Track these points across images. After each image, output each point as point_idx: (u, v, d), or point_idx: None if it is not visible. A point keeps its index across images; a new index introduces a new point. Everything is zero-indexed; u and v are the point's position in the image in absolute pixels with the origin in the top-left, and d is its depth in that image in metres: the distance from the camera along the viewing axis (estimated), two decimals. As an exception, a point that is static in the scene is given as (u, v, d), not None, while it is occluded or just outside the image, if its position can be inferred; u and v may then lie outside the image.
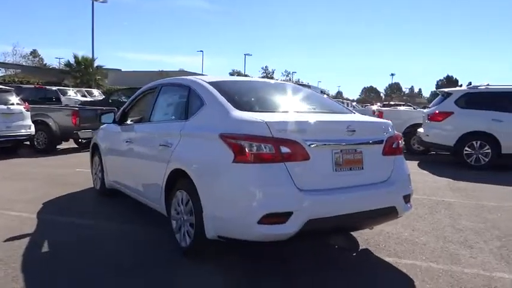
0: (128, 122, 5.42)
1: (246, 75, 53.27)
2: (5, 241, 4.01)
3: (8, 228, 4.38)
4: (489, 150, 9.07)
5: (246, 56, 52.39)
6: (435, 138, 9.73)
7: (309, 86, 16.23)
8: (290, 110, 3.69)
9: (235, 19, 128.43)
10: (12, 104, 10.15)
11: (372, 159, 3.44)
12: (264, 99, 3.93)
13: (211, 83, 3.89)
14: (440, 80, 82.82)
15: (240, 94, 3.79)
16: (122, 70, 55.07)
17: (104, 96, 25.75)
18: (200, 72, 57.82)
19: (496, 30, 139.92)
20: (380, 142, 3.53)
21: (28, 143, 10.84)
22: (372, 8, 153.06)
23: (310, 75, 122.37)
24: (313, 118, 3.33)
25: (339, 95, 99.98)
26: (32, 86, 19.69)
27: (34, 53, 54.21)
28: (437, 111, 9.67)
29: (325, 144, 3.21)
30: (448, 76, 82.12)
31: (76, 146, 12.01)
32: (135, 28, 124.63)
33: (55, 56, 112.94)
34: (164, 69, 46.69)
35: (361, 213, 3.28)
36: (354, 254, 3.89)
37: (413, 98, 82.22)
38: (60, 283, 3.19)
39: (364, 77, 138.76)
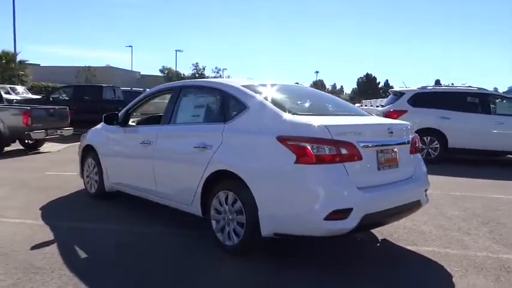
0: (130, 123, 5.38)
1: (177, 72, 52.62)
2: (32, 249, 3.87)
3: (23, 236, 4.21)
4: (438, 145, 10.03)
5: (177, 52, 51.60)
6: (390, 135, 10.51)
7: None
8: (329, 113, 3.98)
9: (166, 13, 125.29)
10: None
11: (403, 158, 3.84)
12: (301, 102, 4.16)
13: (246, 87, 4.05)
14: (360, 77, 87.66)
15: (278, 97, 3.98)
16: (41, 65, 51.79)
17: (29, 94, 24.22)
18: (129, 69, 56.02)
19: (412, 33, 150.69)
20: (408, 142, 3.94)
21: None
22: (297, 5, 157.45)
23: (240, 72, 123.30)
24: (359, 121, 3.64)
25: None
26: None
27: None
28: (392, 110, 10.45)
29: (372, 145, 3.53)
30: (367, 74, 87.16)
31: (22, 147, 11.29)
32: (53, 20, 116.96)
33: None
34: (88, 65, 44.71)
35: (400, 206, 3.66)
36: (378, 245, 4.26)
37: (337, 94, 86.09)
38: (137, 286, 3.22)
39: (291, 74, 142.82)
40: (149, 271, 3.47)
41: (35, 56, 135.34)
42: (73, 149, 11.22)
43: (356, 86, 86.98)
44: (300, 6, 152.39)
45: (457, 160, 10.33)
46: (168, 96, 5.01)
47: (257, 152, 3.56)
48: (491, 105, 10.26)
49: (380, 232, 4.54)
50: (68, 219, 4.85)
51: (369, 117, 4.24)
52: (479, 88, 10.62)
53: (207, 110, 4.40)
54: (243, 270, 3.51)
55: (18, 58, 33.46)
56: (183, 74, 56.65)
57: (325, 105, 4.35)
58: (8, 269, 3.41)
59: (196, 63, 58.34)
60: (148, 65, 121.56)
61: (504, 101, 10.57)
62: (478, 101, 10.21)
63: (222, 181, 3.83)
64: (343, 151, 3.31)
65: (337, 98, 5.19)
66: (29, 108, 10.73)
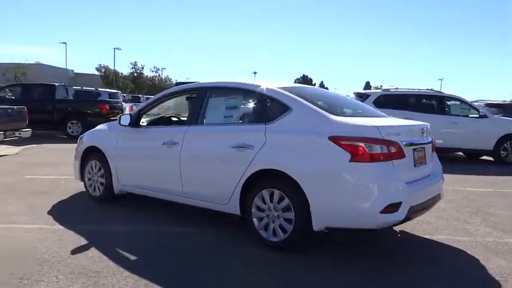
0: (142, 123, 5.34)
1: (115, 71, 50.87)
2: (73, 254, 3.79)
3: (52, 241, 4.08)
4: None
5: (116, 50, 49.66)
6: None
7: None
8: (363, 114, 4.27)
9: (103, 9, 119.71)
10: None
11: (428, 156, 4.23)
12: (334, 104, 4.39)
13: (284, 89, 4.23)
14: (297, 78, 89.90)
15: (315, 99, 4.20)
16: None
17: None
18: (63, 67, 53.27)
19: (344, 35, 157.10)
20: (431, 142, 4.34)
21: None
22: (234, 4, 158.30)
23: (179, 72, 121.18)
24: (397, 123, 3.96)
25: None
26: None
27: None
28: (358, 111, 11.05)
29: (410, 144, 3.88)
30: (303, 75, 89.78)
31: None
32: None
33: None
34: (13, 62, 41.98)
35: (430, 199, 4.05)
36: (399, 236, 4.62)
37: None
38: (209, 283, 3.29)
39: (229, 75, 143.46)
40: (212, 267, 3.55)
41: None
42: (32, 152, 10.77)
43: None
44: (238, 5, 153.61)
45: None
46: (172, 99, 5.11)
47: (308, 152, 3.75)
48: (446, 107, 11.19)
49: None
50: (85, 223, 4.73)
51: (394, 118, 4.61)
52: (437, 91, 11.53)
53: (243, 111, 4.50)
54: (288, 263, 3.69)
55: None
56: (121, 73, 54.89)
57: (354, 106, 4.63)
58: (65, 274, 3.34)
59: (134, 62, 56.87)
60: (83, 63, 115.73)
61: (457, 103, 11.57)
62: (435, 103, 11.09)
63: (265, 180, 3.98)
64: (392, 150, 3.61)
65: (353, 99, 5.51)
66: (-13, 108, 10.08)
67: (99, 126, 6.04)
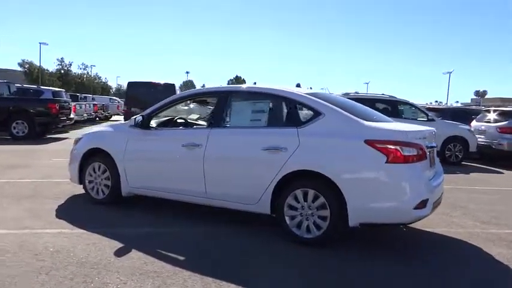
0: (153, 125, 5.36)
1: (40, 67, 47.82)
2: (119, 256, 3.79)
3: (86, 245, 4.03)
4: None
5: (42, 45, 46.42)
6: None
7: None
8: (383, 120, 4.66)
9: (26, 2, 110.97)
10: None
11: (434, 157, 4.73)
12: (358, 110, 4.71)
13: (312, 95, 4.53)
14: (231, 79, 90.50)
15: (342, 105, 4.51)
16: None
17: None
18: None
19: (275, 38, 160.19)
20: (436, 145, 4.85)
21: None
22: (166, 3, 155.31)
23: (109, 70, 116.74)
24: (418, 128, 4.42)
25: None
26: None
27: None
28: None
29: (429, 147, 4.34)
30: (237, 76, 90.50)
31: None
32: None
33: None
34: None
35: (440, 196, 4.54)
36: (405, 229, 5.09)
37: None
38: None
39: (161, 74, 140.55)
40: (249, 266, 3.74)
41: None
42: None
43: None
44: (170, 4, 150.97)
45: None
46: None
47: (344, 154, 4.07)
48: (399, 111, 12.10)
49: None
50: (105, 226, 4.64)
51: (407, 124, 5.12)
52: (390, 96, 12.40)
53: (271, 115, 4.69)
54: (320, 256, 4.00)
55: None
56: (47, 70, 51.75)
57: (369, 112, 5.01)
58: (126, 275, 3.37)
59: (61, 58, 53.77)
60: (5, 58, 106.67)
61: (408, 107, 12.54)
62: (389, 107, 11.94)
63: (298, 180, 4.24)
64: (419, 152, 4.04)
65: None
66: None
67: (99, 128, 5.93)
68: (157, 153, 5.13)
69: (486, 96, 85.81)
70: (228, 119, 4.82)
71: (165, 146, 5.08)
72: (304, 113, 4.43)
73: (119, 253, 3.87)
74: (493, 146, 12.15)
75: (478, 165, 12.14)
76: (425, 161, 4.17)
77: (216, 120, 4.85)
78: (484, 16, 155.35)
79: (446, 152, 11.90)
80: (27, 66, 50.26)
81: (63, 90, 16.94)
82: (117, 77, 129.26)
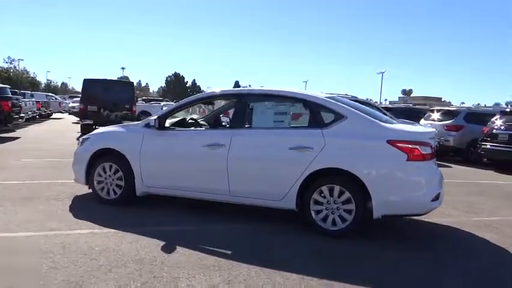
0: (168, 126, 5.47)
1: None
2: (169, 253, 3.94)
3: (129, 244, 4.13)
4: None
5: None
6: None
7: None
8: (395, 121, 5.14)
9: None
10: None
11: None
12: (372, 113, 5.12)
13: (332, 99, 4.91)
14: (169, 76, 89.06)
15: (361, 110, 4.92)
16: None
17: None
18: None
19: (213, 36, 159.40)
20: None
21: None
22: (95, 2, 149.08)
23: (37, 64, 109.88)
24: (428, 129, 4.95)
25: (63, 86, 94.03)
26: None
27: None
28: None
29: (436, 146, 4.89)
30: (175, 73, 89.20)
31: None
32: None
33: None
34: None
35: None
36: (407, 220, 5.62)
37: (144, 93, 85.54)
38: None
39: (94, 69, 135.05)
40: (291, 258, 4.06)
41: None
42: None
43: (164, 85, 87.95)
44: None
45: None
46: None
47: (368, 153, 4.49)
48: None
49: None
50: (134, 225, 4.70)
51: (415, 125, 5.65)
52: (352, 96, 13.11)
53: (294, 117, 5.01)
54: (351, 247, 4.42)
55: None
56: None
57: (379, 114, 5.47)
58: (189, 269, 3.55)
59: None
60: None
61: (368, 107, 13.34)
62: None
63: (324, 177, 4.60)
64: (432, 150, 4.56)
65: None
66: None
67: (108, 128, 5.92)
68: (178, 153, 5.26)
69: (412, 95, 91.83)
70: (250, 120, 5.08)
71: (186, 145, 5.23)
72: (326, 116, 4.80)
73: (166, 250, 4.01)
74: (441, 143, 13.28)
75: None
76: (435, 159, 4.70)
77: (238, 121, 5.09)
78: (408, 18, 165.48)
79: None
80: None
81: (8, 86, 15.95)
82: (47, 71, 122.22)
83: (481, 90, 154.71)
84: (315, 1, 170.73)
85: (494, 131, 11.80)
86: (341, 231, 4.56)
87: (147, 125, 5.42)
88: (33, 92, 28.98)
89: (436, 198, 4.50)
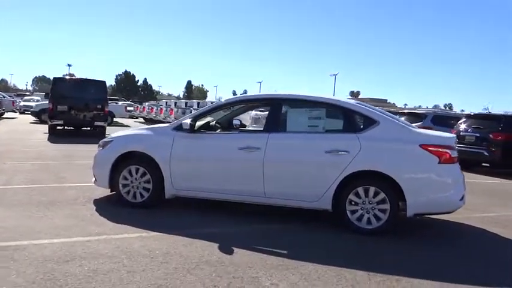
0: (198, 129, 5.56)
1: None
2: (227, 254, 4.07)
3: (185, 248, 4.19)
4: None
5: None
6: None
7: None
8: (415, 126, 5.53)
9: None
10: None
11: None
12: (399, 119, 5.49)
13: (361, 105, 5.24)
14: (119, 74, 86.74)
15: (387, 115, 5.27)
16: None
17: None
18: None
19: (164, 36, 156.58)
20: None
21: None
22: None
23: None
24: (449, 134, 5.39)
25: (3, 82, 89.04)
26: None
27: None
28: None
29: (456, 150, 5.35)
30: (126, 71, 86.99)
31: None
32: None
33: None
34: None
35: None
36: (418, 217, 6.01)
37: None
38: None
39: (38, 66, 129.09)
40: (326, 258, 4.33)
41: None
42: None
43: (115, 83, 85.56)
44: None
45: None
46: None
47: (402, 156, 4.84)
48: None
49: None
50: (179, 228, 4.76)
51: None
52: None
53: (328, 121, 5.25)
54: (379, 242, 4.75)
55: None
56: None
57: (402, 120, 5.86)
58: (261, 269, 3.71)
59: None
60: None
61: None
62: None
63: (359, 178, 4.90)
64: (457, 154, 4.99)
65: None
66: None
67: (132, 131, 5.92)
68: (211, 156, 5.37)
69: (359, 97, 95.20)
70: (285, 124, 5.29)
71: (220, 148, 5.35)
72: (360, 121, 5.11)
73: (225, 251, 4.13)
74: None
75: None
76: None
77: (273, 125, 5.29)
78: (356, 21, 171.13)
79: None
80: None
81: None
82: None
83: (422, 93, 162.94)
84: (268, 2, 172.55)
85: (461, 133, 12.67)
86: (375, 229, 4.87)
87: (177, 128, 5.47)
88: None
89: (463, 197, 4.93)
